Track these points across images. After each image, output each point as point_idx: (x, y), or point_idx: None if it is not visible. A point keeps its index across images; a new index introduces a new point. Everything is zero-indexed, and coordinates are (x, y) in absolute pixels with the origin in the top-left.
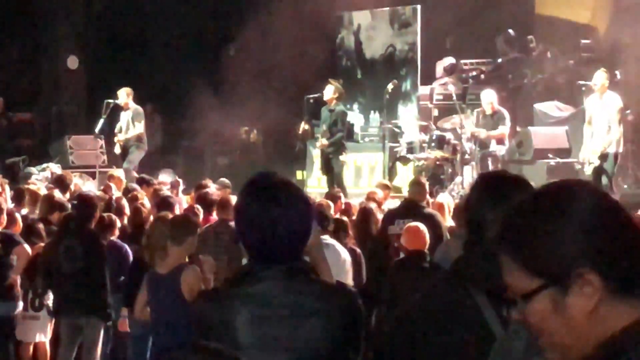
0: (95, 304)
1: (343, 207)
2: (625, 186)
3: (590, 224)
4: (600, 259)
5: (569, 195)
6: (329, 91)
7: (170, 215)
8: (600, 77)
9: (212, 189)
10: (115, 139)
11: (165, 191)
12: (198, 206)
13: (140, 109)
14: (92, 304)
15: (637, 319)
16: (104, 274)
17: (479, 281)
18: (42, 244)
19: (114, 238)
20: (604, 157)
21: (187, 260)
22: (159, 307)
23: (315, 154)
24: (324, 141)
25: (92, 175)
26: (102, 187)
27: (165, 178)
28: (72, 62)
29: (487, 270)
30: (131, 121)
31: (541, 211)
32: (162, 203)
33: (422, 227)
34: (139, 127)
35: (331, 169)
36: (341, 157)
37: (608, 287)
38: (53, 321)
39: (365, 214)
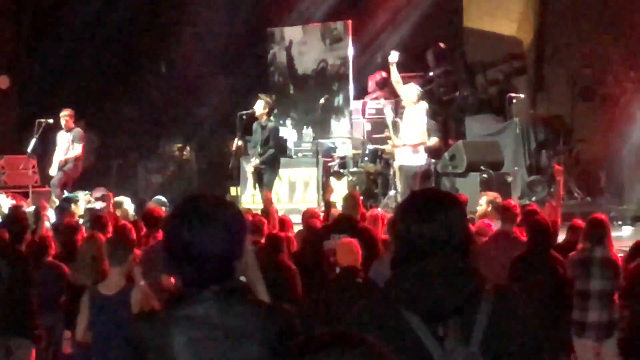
0: (22, 325)
1: (278, 222)
2: None
3: None
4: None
5: None
6: (259, 106)
7: (101, 234)
8: None
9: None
10: (56, 159)
11: (98, 208)
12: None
13: (80, 130)
14: (19, 325)
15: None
16: (30, 296)
17: (411, 303)
18: None
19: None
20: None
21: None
22: (104, 329)
23: (249, 170)
24: (256, 161)
25: (25, 195)
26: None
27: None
28: (4, 82)
29: (419, 291)
30: (71, 142)
31: None
32: (96, 222)
33: (354, 242)
34: (78, 148)
35: (262, 181)
36: (274, 172)
37: None
38: None
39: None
